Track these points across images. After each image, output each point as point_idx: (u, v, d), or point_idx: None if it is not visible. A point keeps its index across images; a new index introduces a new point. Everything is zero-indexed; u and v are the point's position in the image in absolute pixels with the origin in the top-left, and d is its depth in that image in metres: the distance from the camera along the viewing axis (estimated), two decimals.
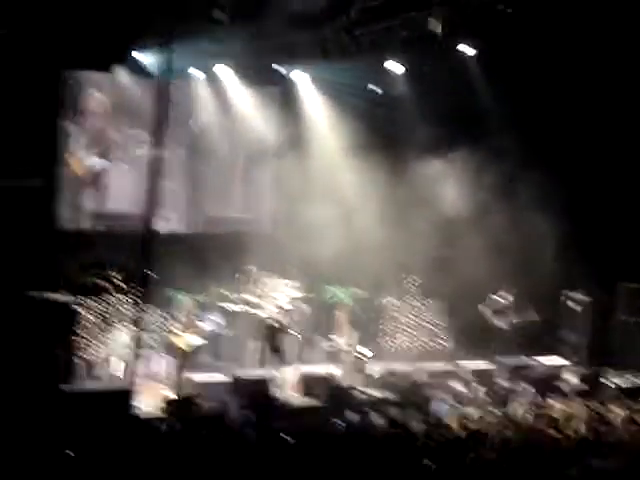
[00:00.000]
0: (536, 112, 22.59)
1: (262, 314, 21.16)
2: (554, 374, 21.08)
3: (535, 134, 22.71)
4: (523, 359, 21.57)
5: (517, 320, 22.23)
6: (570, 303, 23.77)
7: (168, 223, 20.91)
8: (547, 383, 20.21)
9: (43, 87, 19.08)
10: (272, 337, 19.49)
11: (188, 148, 22.06)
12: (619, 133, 22.66)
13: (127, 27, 18.30)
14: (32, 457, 13.84)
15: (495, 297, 22.29)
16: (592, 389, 20.35)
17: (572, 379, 21.50)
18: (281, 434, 14.98)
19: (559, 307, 23.84)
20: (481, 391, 18.99)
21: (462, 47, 21.70)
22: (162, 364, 19.97)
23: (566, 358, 22.82)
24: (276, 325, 19.63)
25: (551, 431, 15.94)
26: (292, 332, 20.41)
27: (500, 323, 22.22)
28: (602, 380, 20.99)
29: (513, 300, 22.38)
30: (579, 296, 23.66)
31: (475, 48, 21.72)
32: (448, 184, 22.06)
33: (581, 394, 19.67)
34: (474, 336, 22.52)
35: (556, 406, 18.09)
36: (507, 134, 22.45)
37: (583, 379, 21.32)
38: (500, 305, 22.32)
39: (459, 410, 17.41)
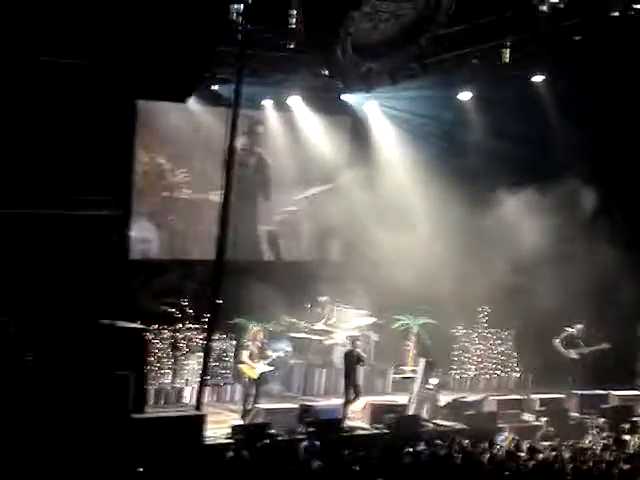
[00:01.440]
0: (610, 141, 22.43)
1: (333, 342, 21.24)
2: (628, 406, 20.75)
3: (609, 165, 22.55)
4: (595, 391, 21.27)
5: (589, 350, 21.98)
6: None
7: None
8: (621, 415, 19.89)
9: (119, 117, 19.39)
10: (351, 366, 19.43)
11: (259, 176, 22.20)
12: None
13: (202, 57, 18.48)
14: None
15: (567, 329, 22.07)
16: None
17: None
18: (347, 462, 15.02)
19: (634, 338, 23.55)
20: (551, 422, 18.72)
21: (532, 76, 21.66)
22: (232, 392, 20.12)
23: None
24: (356, 354, 19.56)
25: (622, 465, 15.72)
26: (368, 362, 20.36)
27: (572, 354, 21.98)
28: None
29: (585, 330, 22.14)
30: None
31: (545, 76, 21.65)
32: (523, 216, 21.92)
33: None
34: (547, 367, 22.34)
35: (629, 440, 17.84)
36: (581, 165, 22.33)
37: None
38: (572, 336, 22.09)
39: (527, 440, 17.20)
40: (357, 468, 14.87)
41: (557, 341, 22.05)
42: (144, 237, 20.89)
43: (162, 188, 21.12)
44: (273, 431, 16.85)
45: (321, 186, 22.85)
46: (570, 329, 22.08)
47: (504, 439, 17.58)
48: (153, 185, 20.99)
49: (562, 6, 19.18)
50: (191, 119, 20.89)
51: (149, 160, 20.87)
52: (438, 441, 16.93)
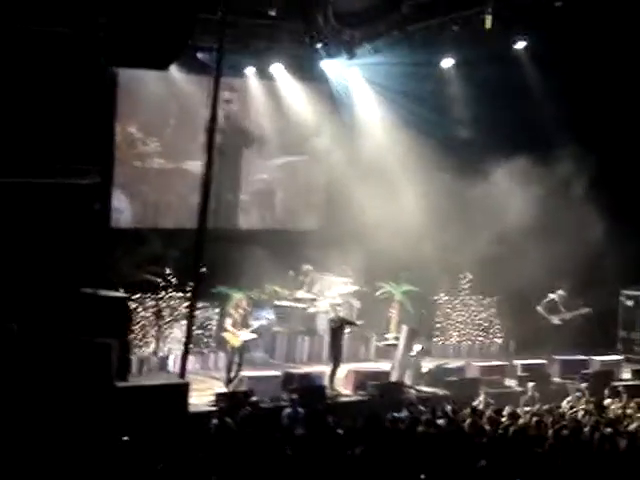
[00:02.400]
0: (589, 108, 22.46)
1: (316, 310, 21.31)
2: (608, 371, 20.91)
3: (590, 132, 22.59)
4: (577, 356, 21.43)
5: (570, 315, 22.11)
6: (625, 300, 23.64)
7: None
8: (601, 380, 20.04)
9: (99, 85, 19.30)
10: (335, 333, 19.50)
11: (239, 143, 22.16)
12: None
13: (183, 25, 18.38)
14: (86, 452, 14.05)
15: (550, 295, 22.20)
16: None
17: (627, 376, 21.39)
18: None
19: (615, 304, 23.72)
20: (533, 387, 18.85)
21: (515, 42, 21.67)
22: (215, 360, 20.18)
23: (621, 354, 22.72)
24: (341, 320, 19.62)
25: (603, 429, 15.84)
26: (357, 323, 20.45)
27: (554, 319, 22.11)
28: None
29: (566, 296, 22.27)
30: (634, 292, 23.52)
31: (527, 42, 21.65)
32: (509, 185, 21.97)
33: (637, 391, 19.46)
34: (529, 333, 22.47)
35: (610, 404, 17.97)
36: (561, 132, 22.38)
37: (638, 375, 21.18)
38: (553, 302, 22.22)
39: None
40: (340, 432, 14.98)
41: (539, 307, 22.19)
42: (117, 207, 20.91)
43: (134, 157, 21.06)
44: (255, 398, 16.83)
45: (301, 155, 22.84)
46: (552, 295, 22.21)
47: (479, 402, 17.72)
48: (125, 154, 20.94)
49: None
50: (171, 88, 20.79)
51: (120, 129, 20.80)
52: (421, 407, 17.02)
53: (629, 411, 17.33)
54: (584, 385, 19.24)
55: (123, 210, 21.12)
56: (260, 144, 22.46)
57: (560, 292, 22.19)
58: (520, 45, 21.97)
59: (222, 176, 21.11)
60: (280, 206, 23.07)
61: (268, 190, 22.94)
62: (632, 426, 16.34)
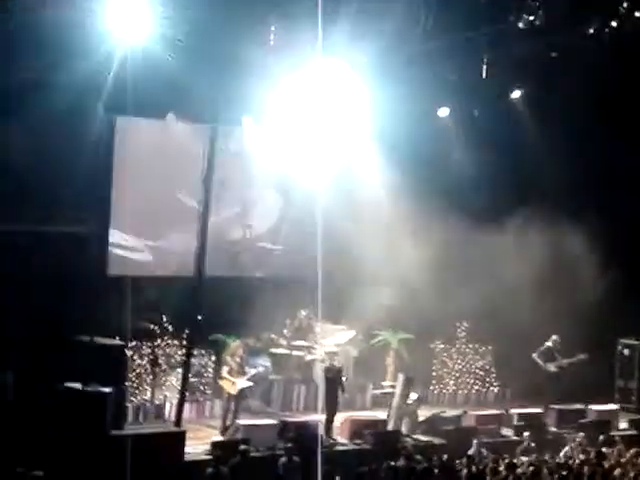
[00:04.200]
0: (586, 159, 22.63)
1: (312, 358, 21.26)
2: (606, 421, 20.86)
3: (589, 185, 22.74)
4: (574, 406, 21.37)
5: (566, 361, 22.07)
6: (623, 349, 23.64)
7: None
8: (599, 429, 20.00)
9: (97, 134, 19.38)
10: (334, 382, 19.46)
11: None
12: None
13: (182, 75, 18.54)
14: None
15: (545, 343, 22.19)
16: None
17: (624, 425, 21.34)
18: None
19: (613, 354, 23.71)
20: (530, 437, 18.79)
21: (511, 92, 21.85)
22: (211, 408, 20.12)
23: (619, 404, 22.67)
24: (337, 370, 19.59)
25: (601, 479, 15.81)
26: (345, 377, 20.38)
27: (550, 367, 22.05)
28: None
29: (560, 343, 22.22)
30: (631, 342, 23.53)
31: (523, 92, 21.83)
32: (502, 234, 22.06)
33: (633, 440, 19.44)
34: (525, 382, 22.43)
35: (607, 453, 17.93)
36: (560, 187, 22.55)
37: (635, 425, 21.14)
38: (549, 349, 22.18)
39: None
40: None
41: (535, 355, 22.16)
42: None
43: None
44: (244, 447, 16.73)
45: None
46: (547, 342, 22.19)
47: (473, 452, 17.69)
48: None
49: (539, 23, 19.38)
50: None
51: None
52: (417, 456, 16.96)
53: (625, 461, 17.29)
54: (581, 435, 19.17)
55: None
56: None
57: (554, 338, 22.15)
58: (516, 94, 22.12)
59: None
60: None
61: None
62: (629, 475, 16.31)
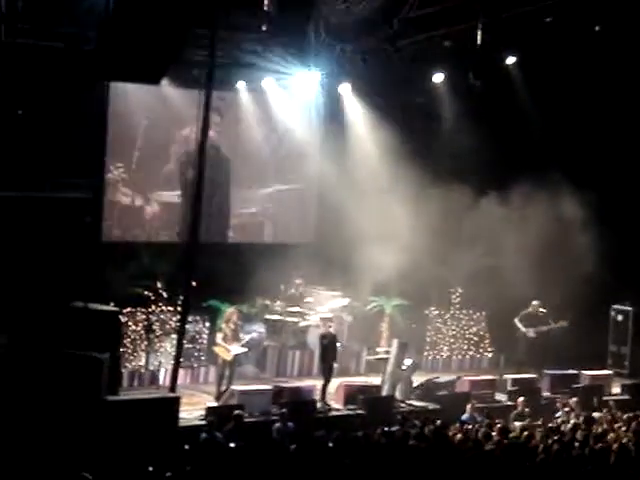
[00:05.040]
0: (578, 125, 22.59)
1: (307, 324, 21.31)
2: (599, 385, 20.95)
3: (577, 150, 22.71)
4: (567, 371, 21.46)
5: (545, 328, 22.12)
6: (616, 314, 23.71)
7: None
8: (591, 395, 20.08)
9: (90, 99, 19.31)
10: (327, 347, 19.50)
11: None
12: None
13: (175, 39, 18.43)
14: (76, 467, 14.03)
15: (529, 309, 22.23)
16: (637, 400, 20.23)
17: (617, 390, 21.43)
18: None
19: (605, 319, 23.78)
20: (524, 402, 18.85)
21: (504, 57, 21.75)
22: (206, 374, 20.17)
23: (612, 369, 22.76)
24: (332, 335, 19.64)
25: (594, 443, 15.87)
26: (340, 343, 20.42)
27: (530, 333, 22.06)
28: None
29: (540, 307, 22.25)
30: (625, 307, 23.60)
31: (517, 58, 21.75)
32: (496, 201, 22.07)
33: (625, 405, 19.52)
34: (519, 348, 22.49)
35: (600, 418, 18.01)
36: (554, 155, 22.53)
37: (628, 390, 21.22)
38: (529, 314, 22.20)
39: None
40: (330, 445, 14.97)
41: (517, 319, 22.18)
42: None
43: None
44: (238, 412, 16.77)
45: (292, 184, 22.89)
46: (528, 308, 22.24)
47: (467, 417, 17.74)
48: None
49: None
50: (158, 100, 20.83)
51: None
52: (412, 421, 17.02)
53: (618, 425, 17.37)
54: (574, 399, 19.25)
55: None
56: (250, 169, 22.38)
57: (535, 303, 22.12)
58: (511, 60, 22.04)
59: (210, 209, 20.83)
60: (269, 236, 23.06)
61: (257, 223, 22.91)
62: (622, 441, 16.37)
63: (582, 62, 21.71)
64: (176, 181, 21.56)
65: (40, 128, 18.28)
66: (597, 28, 20.48)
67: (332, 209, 22.02)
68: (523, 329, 22.11)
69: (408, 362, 20.07)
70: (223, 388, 18.68)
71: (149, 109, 20.81)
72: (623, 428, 17.04)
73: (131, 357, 19.49)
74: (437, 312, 22.98)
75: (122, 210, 21.14)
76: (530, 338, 22.07)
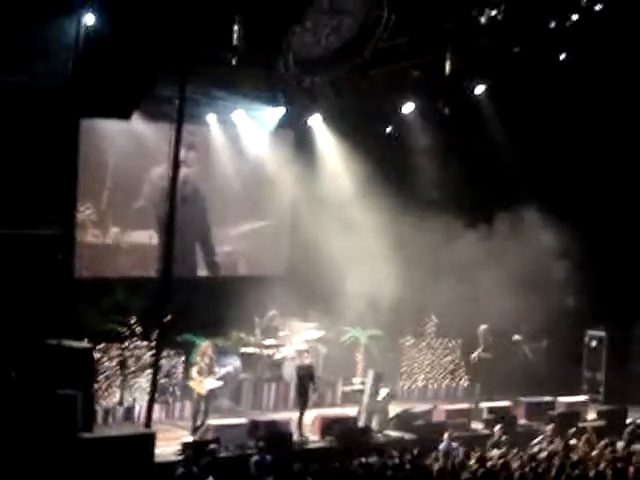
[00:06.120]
0: (544, 150, 22.78)
1: (282, 356, 21.26)
2: (574, 412, 20.98)
3: (552, 180, 22.89)
4: (543, 398, 21.48)
5: (528, 350, 22.16)
6: (590, 340, 23.80)
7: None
8: (567, 421, 20.09)
9: (61, 136, 19.26)
10: (305, 379, 19.45)
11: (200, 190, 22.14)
12: (629, 173, 22.90)
13: (146, 74, 18.48)
14: None
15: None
16: (612, 426, 20.27)
17: (593, 416, 21.46)
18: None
19: (580, 345, 23.85)
20: (500, 430, 18.86)
21: (473, 86, 21.92)
22: (181, 409, 20.06)
23: (587, 395, 22.81)
24: (308, 367, 19.61)
25: (570, 470, 15.89)
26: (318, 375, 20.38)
27: (472, 356, 22.06)
28: (622, 417, 20.95)
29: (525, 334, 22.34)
30: (598, 333, 23.68)
31: (486, 86, 21.92)
32: (467, 230, 22.15)
33: (601, 431, 19.55)
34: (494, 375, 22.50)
35: (576, 445, 18.03)
36: (524, 184, 22.70)
37: (603, 416, 21.26)
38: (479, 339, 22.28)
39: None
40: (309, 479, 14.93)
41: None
42: None
43: None
44: (213, 446, 16.70)
45: (265, 220, 22.88)
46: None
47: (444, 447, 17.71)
48: None
49: (500, 18, 19.48)
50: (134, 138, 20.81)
51: None
52: (390, 452, 16.97)
53: (595, 452, 17.39)
54: (550, 427, 19.26)
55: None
56: (222, 203, 22.38)
57: (482, 327, 21.79)
58: (480, 90, 22.18)
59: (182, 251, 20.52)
60: (243, 269, 23.02)
61: (231, 263, 22.87)
62: (599, 467, 16.40)
63: (550, 90, 21.88)
64: (150, 220, 21.45)
65: (10, 164, 18.20)
66: (562, 57, 20.66)
67: (305, 241, 22.04)
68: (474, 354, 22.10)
69: (384, 392, 20.05)
70: (199, 422, 18.58)
71: (120, 146, 20.75)
72: (600, 454, 17.09)
73: (105, 393, 19.34)
74: (412, 341, 22.98)
75: (93, 249, 20.98)
76: (473, 360, 22.07)
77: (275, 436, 17.96)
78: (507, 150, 22.67)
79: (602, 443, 17.85)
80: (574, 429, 19.29)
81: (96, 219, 20.93)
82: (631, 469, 16.33)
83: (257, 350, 21.14)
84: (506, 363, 22.16)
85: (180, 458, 16.59)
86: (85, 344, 18.00)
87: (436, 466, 15.88)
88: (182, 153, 18.29)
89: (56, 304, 17.53)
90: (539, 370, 22.61)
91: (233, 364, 20.57)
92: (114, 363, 19.54)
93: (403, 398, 22.14)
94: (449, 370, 23.20)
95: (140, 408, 19.17)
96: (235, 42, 18.63)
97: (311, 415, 19.40)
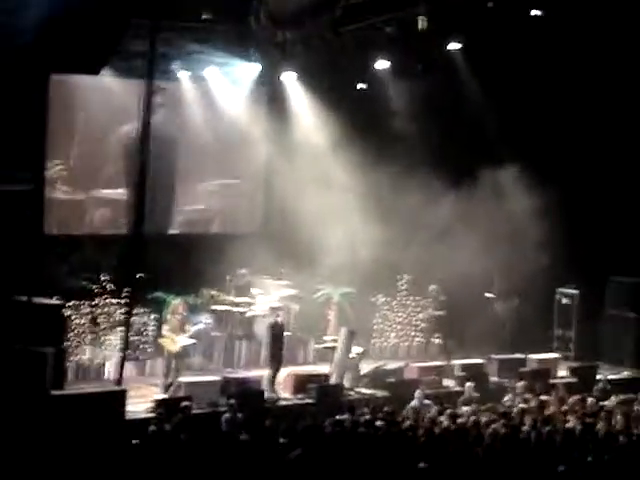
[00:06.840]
0: (520, 107, 22.69)
1: (254, 314, 21.23)
2: (545, 369, 21.09)
3: (521, 130, 22.81)
4: (514, 355, 21.58)
5: (501, 308, 22.24)
6: (561, 298, 23.87)
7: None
8: (539, 378, 20.20)
9: (31, 91, 19.03)
10: (275, 337, 19.43)
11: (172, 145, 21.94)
12: (605, 129, 22.82)
13: (115, 29, 18.24)
14: (23, 463, 13.87)
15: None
16: (583, 383, 20.39)
17: (563, 373, 21.58)
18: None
19: (551, 302, 23.93)
20: (472, 387, 18.93)
21: (447, 43, 21.77)
22: (153, 366, 20.01)
23: (557, 352, 22.93)
24: (280, 324, 19.58)
25: (541, 426, 15.97)
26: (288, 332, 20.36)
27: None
28: (593, 373, 21.09)
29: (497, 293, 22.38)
30: (570, 290, 23.75)
31: (460, 44, 21.77)
32: (440, 184, 22.08)
33: (572, 388, 19.67)
34: (466, 333, 22.58)
35: (547, 401, 18.13)
36: (492, 130, 22.61)
37: (574, 373, 21.38)
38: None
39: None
40: (281, 440, 14.92)
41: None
42: None
43: None
44: (186, 404, 16.67)
45: (237, 178, 22.72)
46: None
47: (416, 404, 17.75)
48: None
49: None
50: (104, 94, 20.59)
51: None
52: (362, 409, 16.99)
53: (566, 408, 17.49)
54: (521, 383, 19.34)
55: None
56: (194, 160, 22.17)
57: (432, 287, 22.16)
58: (454, 46, 22.05)
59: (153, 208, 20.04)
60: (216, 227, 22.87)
61: (205, 220, 22.74)
62: (569, 424, 16.50)
63: (524, 47, 21.79)
64: (119, 178, 21.26)
65: None
66: (535, 13, 20.60)
67: (280, 198, 21.96)
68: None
69: (356, 350, 20.07)
70: (170, 380, 18.54)
71: (90, 102, 20.54)
72: (571, 411, 17.19)
73: (76, 351, 19.28)
74: (384, 299, 22.96)
75: (63, 206, 20.82)
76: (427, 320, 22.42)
77: (247, 393, 17.97)
78: (485, 109, 22.57)
79: (573, 399, 17.96)
80: (545, 386, 19.40)
81: (66, 175, 20.77)
82: (600, 424, 16.45)
83: (229, 307, 21.10)
84: (477, 321, 22.26)
85: (152, 415, 16.55)
86: (55, 301, 17.91)
87: (407, 423, 15.91)
88: (153, 109, 18.10)
89: (26, 261, 17.41)
90: (510, 328, 22.66)
91: (205, 322, 20.52)
92: (85, 320, 19.48)
93: (375, 356, 22.16)
94: (420, 328, 23.19)
95: (111, 365, 19.11)
96: None
97: (284, 373, 19.41)
